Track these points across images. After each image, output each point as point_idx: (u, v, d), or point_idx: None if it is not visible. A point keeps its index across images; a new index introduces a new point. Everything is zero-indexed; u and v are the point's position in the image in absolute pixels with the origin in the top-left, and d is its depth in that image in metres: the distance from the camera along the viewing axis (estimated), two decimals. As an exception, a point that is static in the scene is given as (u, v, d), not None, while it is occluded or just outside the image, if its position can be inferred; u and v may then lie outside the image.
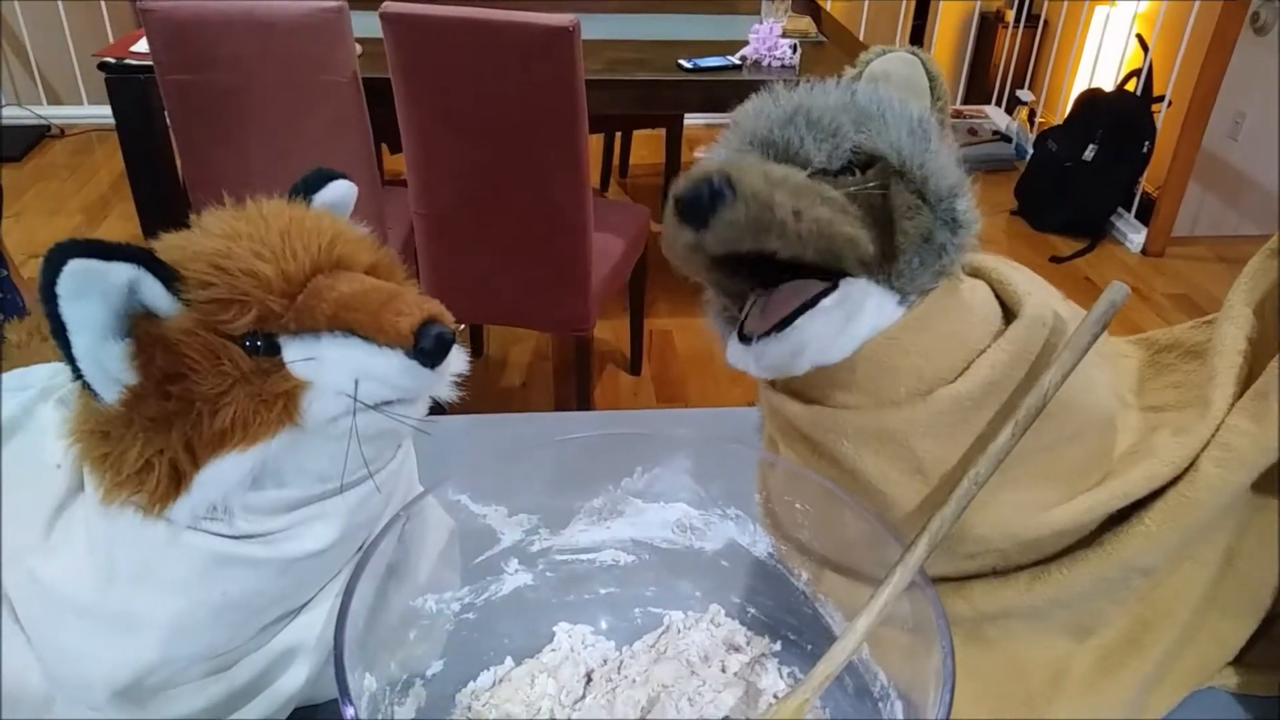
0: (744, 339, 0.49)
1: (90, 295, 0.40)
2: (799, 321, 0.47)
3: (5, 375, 0.53)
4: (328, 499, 0.48)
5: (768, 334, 0.47)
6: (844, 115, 0.48)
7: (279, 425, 0.44)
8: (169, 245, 0.45)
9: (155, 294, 0.42)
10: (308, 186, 0.50)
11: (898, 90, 0.51)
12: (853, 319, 0.48)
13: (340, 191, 0.51)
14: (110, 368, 0.42)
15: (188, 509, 0.44)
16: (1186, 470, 0.52)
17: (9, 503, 0.48)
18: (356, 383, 0.44)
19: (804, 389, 0.53)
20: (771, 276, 0.49)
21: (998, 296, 0.53)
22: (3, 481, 0.49)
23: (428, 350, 0.43)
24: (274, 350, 0.44)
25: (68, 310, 0.40)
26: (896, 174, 0.48)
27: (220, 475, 0.44)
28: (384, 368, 0.43)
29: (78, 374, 0.42)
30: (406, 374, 0.44)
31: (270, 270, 0.43)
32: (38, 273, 0.39)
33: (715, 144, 0.51)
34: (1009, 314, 0.53)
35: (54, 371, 0.53)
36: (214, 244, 0.44)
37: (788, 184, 0.44)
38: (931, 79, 0.53)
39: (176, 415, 0.43)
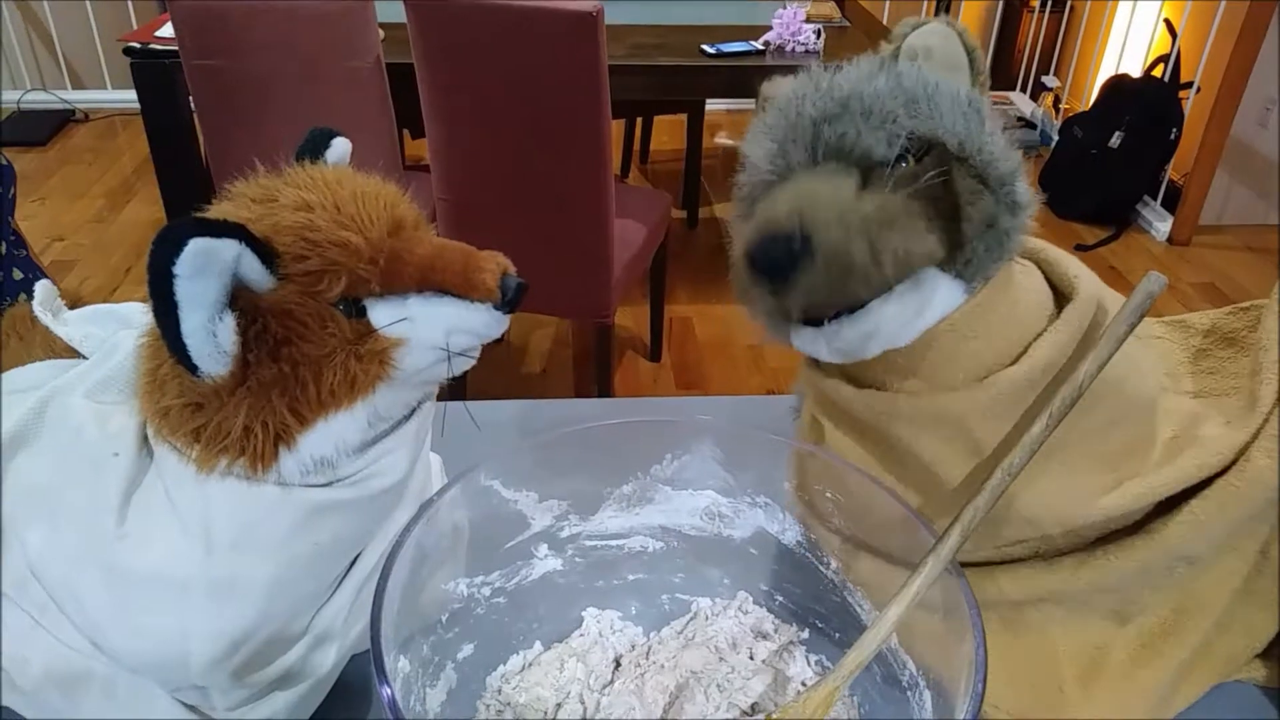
0: (813, 322, 0.49)
1: (208, 273, 0.42)
2: (872, 305, 0.46)
3: (5, 375, 0.54)
4: (394, 432, 0.51)
5: (839, 315, 0.47)
6: (894, 101, 0.46)
7: (377, 380, 0.48)
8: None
9: (252, 268, 0.44)
10: (315, 147, 0.52)
11: (939, 67, 0.50)
12: (924, 307, 0.47)
13: (343, 150, 0.53)
14: (223, 340, 0.44)
15: (295, 466, 0.47)
16: (1236, 460, 0.52)
17: (65, 504, 0.49)
18: (448, 335, 0.49)
19: (858, 373, 0.52)
20: None
21: (1047, 279, 0.53)
22: (52, 483, 0.49)
23: (511, 301, 0.48)
24: (362, 313, 0.47)
25: (185, 289, 0.42)
26: (956, 159, 0.46)
27: (333, 432, 0.48)
28: (475, 320, 0.48)
29: (178, 352, 0.43)
30: (493, 323, 0.49)
31: (357, 239, 0.46)
32: (148, 256, 0.41)
33: (753, 126, 0.50)
34: (1058, 295, 0.52)
35: (56, 370, 0.54)
36: (295, 218, 0.46)
37: (858, 221, 0.44)
38: (969, 51, 0.51)
39: (283, 379, 0.46)
